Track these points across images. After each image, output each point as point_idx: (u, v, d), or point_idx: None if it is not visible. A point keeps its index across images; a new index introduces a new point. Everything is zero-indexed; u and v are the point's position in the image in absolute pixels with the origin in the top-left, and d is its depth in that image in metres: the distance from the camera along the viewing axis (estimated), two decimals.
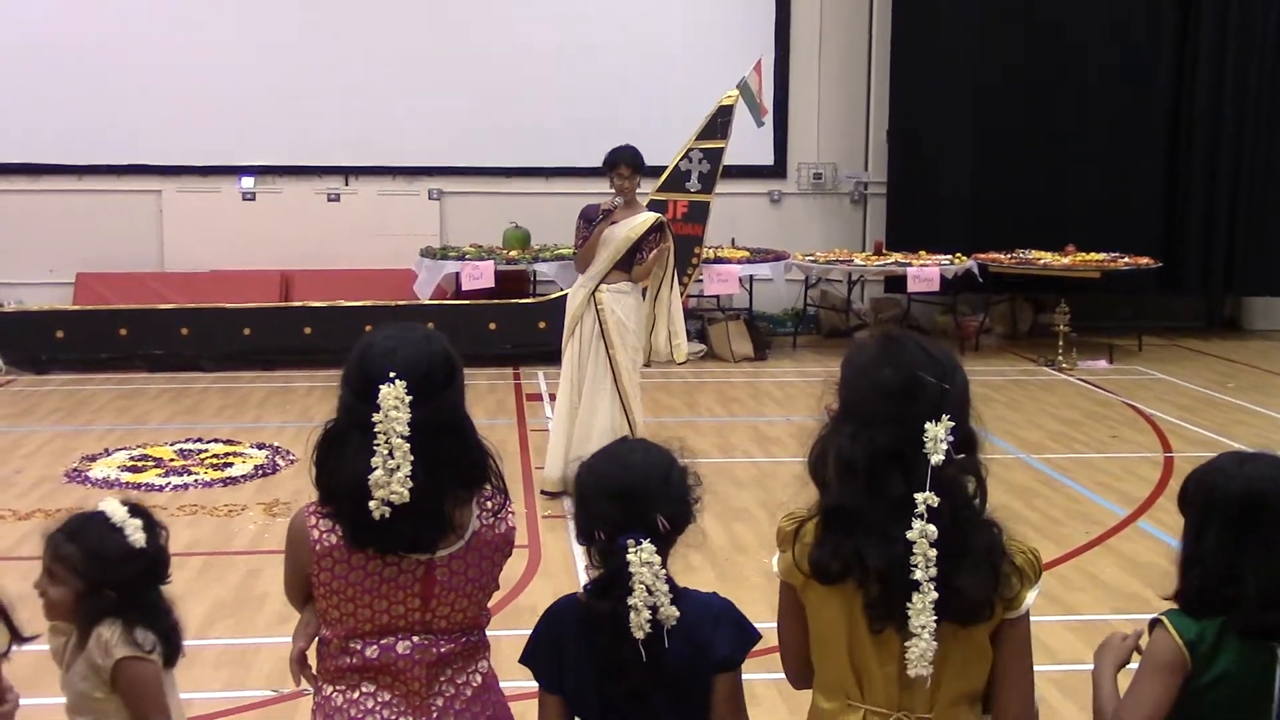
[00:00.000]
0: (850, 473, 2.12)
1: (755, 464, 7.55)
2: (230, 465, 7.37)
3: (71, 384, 9.83)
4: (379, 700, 2.32)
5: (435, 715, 2.34)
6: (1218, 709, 2.36)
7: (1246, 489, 2.34)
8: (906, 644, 2.10)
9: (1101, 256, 11.29)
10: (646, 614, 2.21)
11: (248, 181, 11.96)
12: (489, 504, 2.38)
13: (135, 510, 2.70)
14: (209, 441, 7.97)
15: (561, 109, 11.89)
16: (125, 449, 7.78)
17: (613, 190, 6.72)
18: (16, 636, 2.60)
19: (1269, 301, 12.80)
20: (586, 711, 2.35)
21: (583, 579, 5.40)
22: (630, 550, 2.22)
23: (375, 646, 2.31)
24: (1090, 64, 11.97)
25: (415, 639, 2.32)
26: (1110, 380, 10.18)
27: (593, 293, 6.65)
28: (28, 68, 11.48)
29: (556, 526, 6.30)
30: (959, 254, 11.40)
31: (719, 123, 10.44)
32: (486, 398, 9.44)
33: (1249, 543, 2.32)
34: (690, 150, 10.50)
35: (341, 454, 2.25)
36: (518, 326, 10.67)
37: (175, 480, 7.06)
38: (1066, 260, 11.24)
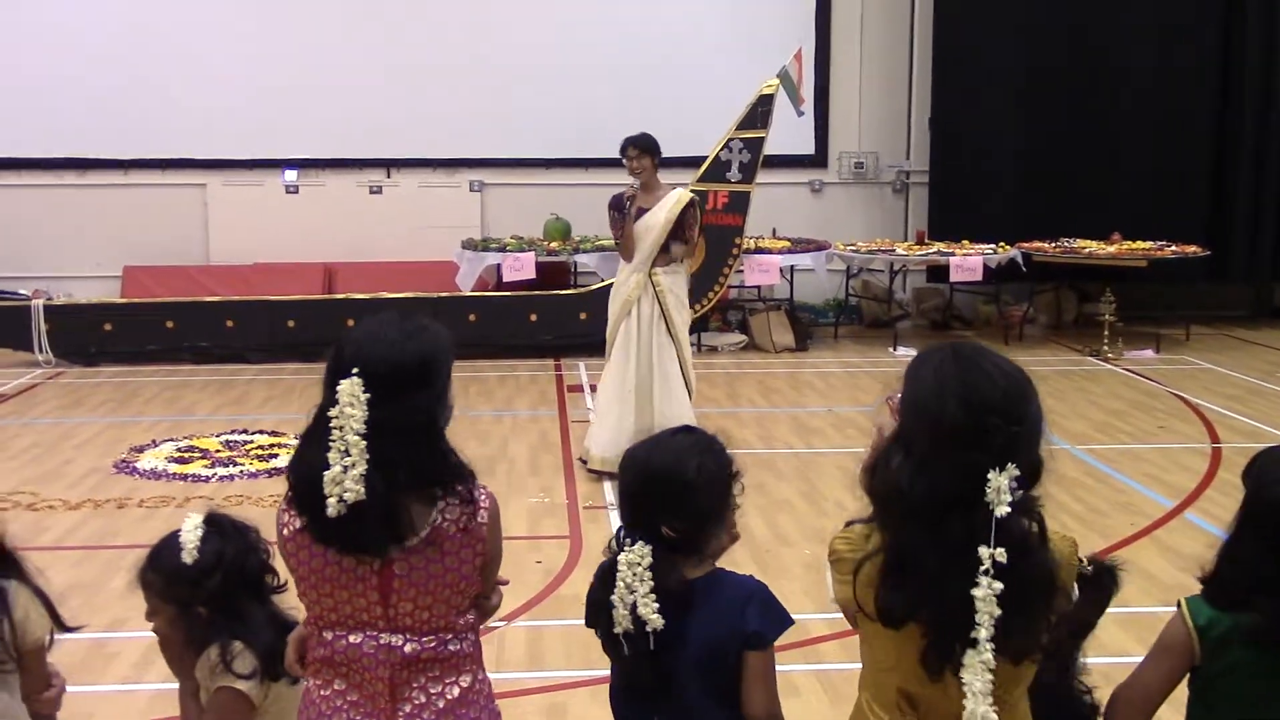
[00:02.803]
0: (912, 514, 2.01)
1: (797, 455, 7.53)
2: (275, 456, 7.43)
3: (120, 376, 9.96)
4: (348, 700, 2.29)
5: None
6: (1230, 700, 2.32)
7: None
8: (963, 702, 2.02)
9: (1148, 245, 11.16)
10: (624, 610, 2.27)
11: (291, 175, 12.05)
12: (455, 502, 2.26)
13: (210, 521, 2.64)
14: (254, 433, 8.04)
15: (601, 100, 11.88)
16: (172, 440, 7.87)
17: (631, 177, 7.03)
18: (61, 626, 2.62)
19: None
20: (618, 697, 2.45)
21: None
22: (625, 548, 2.30)
23: (344, 640, 2.28)
24: (1135, 50, 11.81)
25: (381, 638, 2.27)
26: (1157, 370, 10.07)
27: (648, 276, 6.88)
28: (74, 65, 11.61)
29: (598, 517, 6.32)
30: (1002, 243, 11.30)
31: (759, 112, 10.40)
32: (529, 389, 9.47)
33: None
34: (730, 140, 10.47)
35: (309, 445, 2.22)
36: (559, 317, 10.69)
37: (221, 471, 7.13)
38: (1112, 249, 11.12)
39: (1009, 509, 1.95)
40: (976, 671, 1.98)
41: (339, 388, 2.16)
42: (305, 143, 11.95)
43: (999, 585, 1.95)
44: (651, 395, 6.87)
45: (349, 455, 2.14)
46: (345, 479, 2.14)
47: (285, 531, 2.29)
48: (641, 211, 6.94)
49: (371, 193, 12.15)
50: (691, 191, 7.47)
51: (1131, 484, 6.91)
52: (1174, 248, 11.12)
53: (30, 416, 8.64)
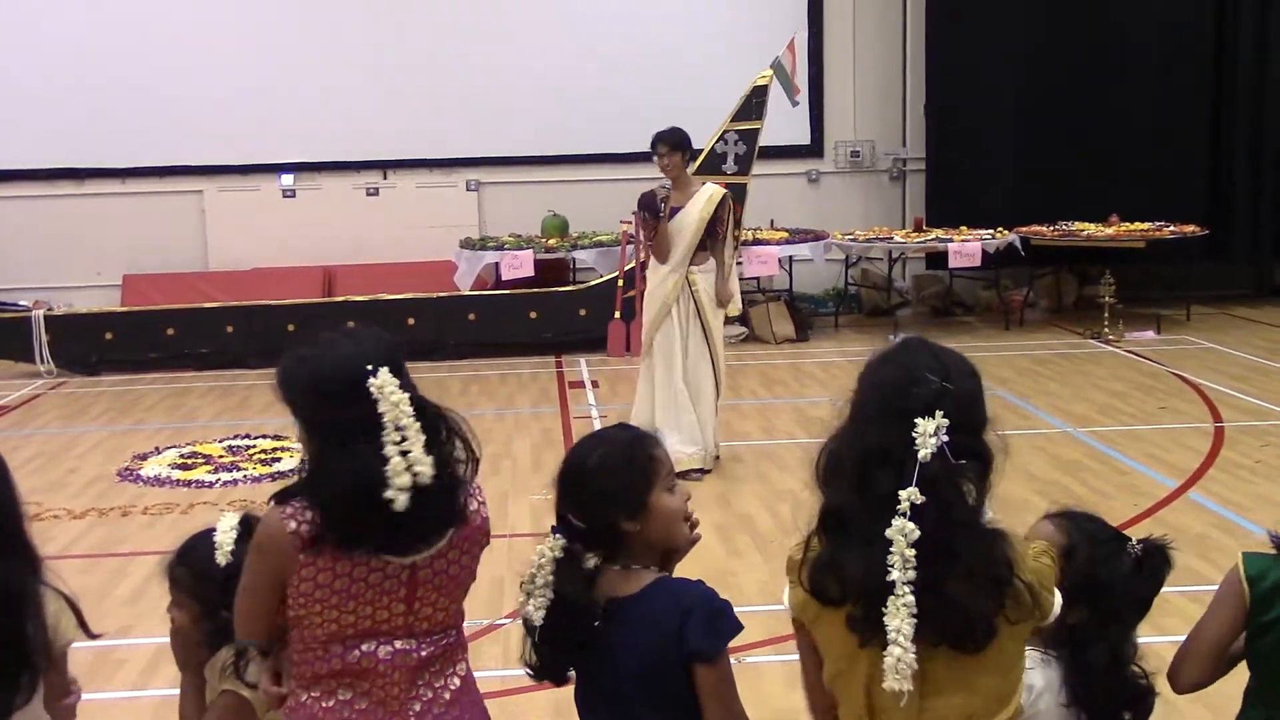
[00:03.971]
0: (838, 472, 2.03)
1: (799, 445, 7.52)
2: (278, 460, 7.45)
3: (121, 384, 9.97)
4: (355, 709, 2.27)
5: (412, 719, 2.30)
6: (1276, 650, 2.36)
7: None
8: (883, 653, 1.94)
9: (1146, 226, 11.15)
10: (522, 599, 2.29)
11: (287, 179, 12.05)
12: (473, 489, 2.36)
13: (245, 523, 2.60)
14: (257, 437, 8.05)
15: (595, 96, 11.88)
16: (175, 447, 7.88)
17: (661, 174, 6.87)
18: (87, 631, 2.60)
19: None
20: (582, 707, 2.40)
21: None
22: (549, 539, 2.30)
23: (356, 651, 2.26)
24: (1130, 30, 11.79)
25: (398, 644, 2.28)
26: (1158, 351, 10.06)
27: (685, 276, 6.84)
28: (69, 75, 11.61)
29: None
30: (1001, 228, 11.29)
31: (754, 103, 10.37)
32: (530, 386, 9.48)
33: None
34: (726, 132, 10.44)
35: (339, 462, 2.19)
36: (559, 314, 10.70)
37: (225, 476, 7.15)
38: (1110, 231, 11.11)
39: (932, 454, 1.94)
40: (897, 615, 1.92)
41: (374, 383, 2.19)
42: (301, 146, 11.95)
43: (912, 525, 1.91)
44: (692, 395, 6.85)
45: (405, 440, 2.17)
46: (414, 463, 2.17)
47: (303, 557, 2.22)
48: (674, 211, 6.79)
49: (368, 194, 12.16)
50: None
51: (1134, 465, 6.91)
52: (1172, 228, 11.11)
53: (33, 427, 8.65)
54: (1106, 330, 10.53)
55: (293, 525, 2.22)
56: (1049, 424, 7.84)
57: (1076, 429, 7.68)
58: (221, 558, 2.56)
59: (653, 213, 6.80)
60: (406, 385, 2.25)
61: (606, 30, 11.99)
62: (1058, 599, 2.07)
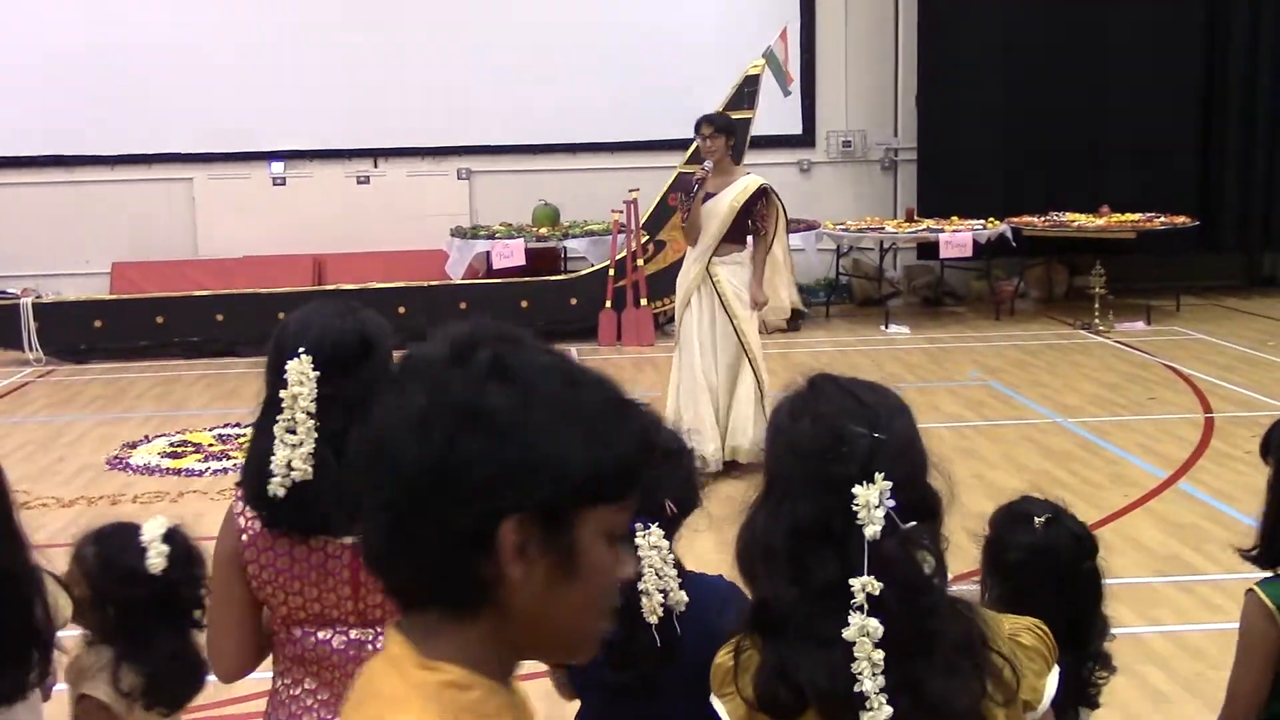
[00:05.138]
0: (773, 560, 1.66)
1: None
2: None
3: (111, 372, 9.94)
4: (319, 699, 2.27)
5: None
6: None
7: None
8: None
9: (1137, 216, 11.16)
10: (659, 598, 2.14)
11: (278, 166, 12.01)
12: None
13: (170, 537, 2.54)
14: (247, 426, 8.00)
15: (587, 85, 11.85)
16: (165, 435, 7.86)
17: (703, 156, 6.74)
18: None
19: None
20: (593, 694, 2.31)
21: None
22: (639, 534, 2.15)
23: (313, 638, 2.25)
24: (1121, 21, 11.79)
25: (352, 634, 2.25)
26: (1148, 342, 10.08)
27: (706, 267, 6.62)
28: (58, 62, 11.53)
29: None
30: (992, 218, 11.30)
31: (746, 93, 10.36)
32: None
33: None
34: (716, 115, 10.42)
35: (258, 435, 2.21)
36: (550, 304, 10.69)
37: (215, 465, 7.13)
38: (1101, 221, 11.12)
39: (881, 529, 1.59)
40: None
41: (287, 368, 2.16)
42: (292, 134, 11.91)
43: (875, 623, 1.58)
44: (720, 389, 6.65)
45: (294, 434, 2.13)
46: (292, 458, 2.13)
47: (245, 537, 2.23)
48: (708, 196, 6.59)
49: (359, 183, 12.12)
50: (680, 173, 7.32)
51: (1124, 455, 6.92)
52: (1163, 219, 11.12)
53: (22, 415, 8.62)
54: (1097, 321, 10.54)
55: (239, 508, 2.25)
56: (1039, 414, 7.85)
57: (1066, 419, 7.69)
58: (135, 557, 2.48)
59: (686, 192, 6.65)
60: (350, 379, 2.16)
61: (598, 19, 11.96)
62: (1051, 682, 1.76)
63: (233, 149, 11.89)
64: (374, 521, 1.14)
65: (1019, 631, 1.75)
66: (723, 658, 1.78)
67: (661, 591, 2.15)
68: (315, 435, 2.14)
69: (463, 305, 10.58)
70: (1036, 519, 2.36)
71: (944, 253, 11.08)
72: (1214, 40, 11.98)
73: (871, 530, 1.59)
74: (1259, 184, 12.05)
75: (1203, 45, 11.97)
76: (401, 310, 10.34)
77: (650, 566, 2.15)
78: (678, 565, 2.19)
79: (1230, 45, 11.92)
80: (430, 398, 1.10)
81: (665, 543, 2.17)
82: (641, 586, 2.15)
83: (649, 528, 2.17)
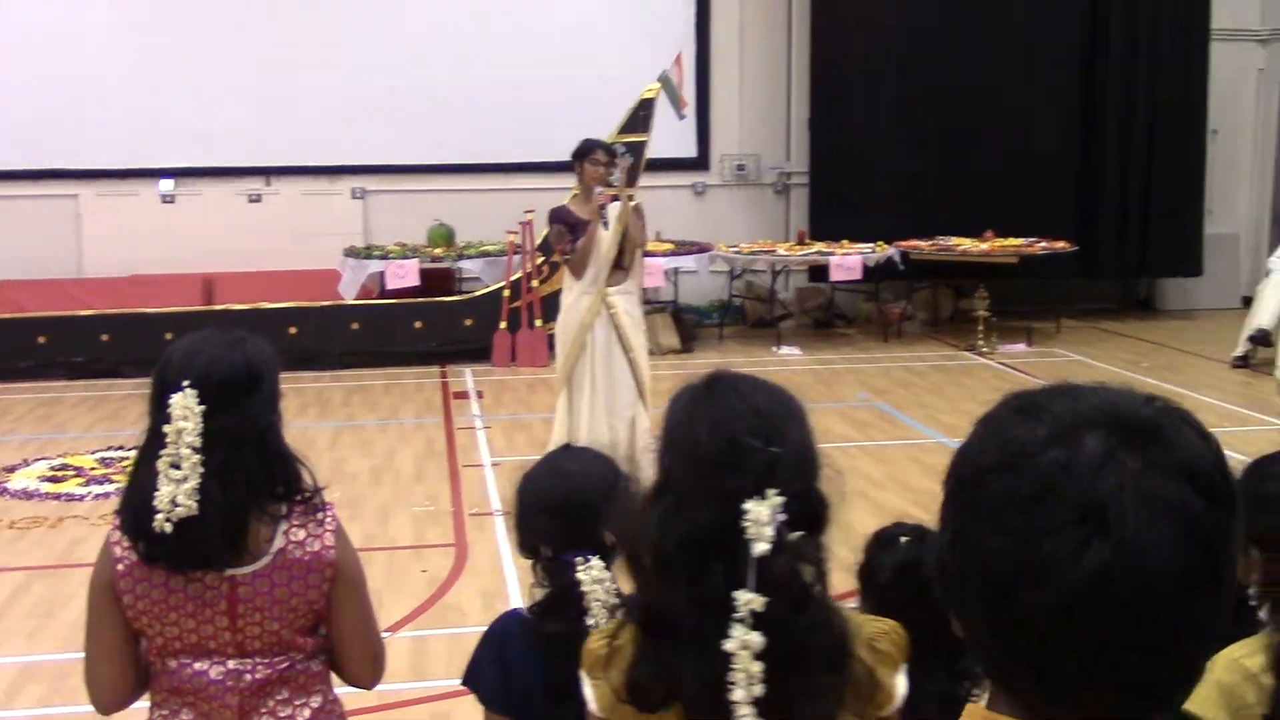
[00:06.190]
0: (666, 564, 1.70)
1: None
2: None
3: None
4: None
5: None
6: None
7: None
8: None
9: (1019, 242, 11.50)
10: None
11: (166, 184, 11.80)
12: (298, 522, 2.24)
13: None
14: (131, 449, 7.85)
15: (483, 106, 11.87)
16: (45, 458, 7.67)
17: (581, 182, 6.54)
18: None
19: (1182, 282, 13.10)
20: None
21: (511, 576, 5.43)
22: (580, 569, 2.15)
23: (189, 668, 2.24)
24: (1005, 49, 12.13)
25: (230, 664, 2.24)
26: (1029, 363, 10.38)
27: (600, 299, 6.44)
28: None
29: (485, 524, 6.32)
30: (881, 242, 11.55)
31: (641, 116, 10.46)
32: (414, 396, 9.42)
33: None
34: (613, 144, 10.48)
35: (140, 468, 2.19)
36: (444, 324, 10.66)
37: (96, 489, 6.98)
38: (985, 246, 11.43)
39: (770, 546, 1.62)
40: None
41: (171, 401, 2.13)
42: (181, 152, 11.70)
43: (756, 637, 1.61)
44: (603, 416, 6.43)
45: (179, 469, 2.11)
46: (178, 493, 2.10)
47: (120, 567, 2.21)
48: (585, 225, 6.40)
49: (250, 201, 11.96)
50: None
51: None
52: (1044, 244, 11.47)
53: None
54: (981, 343, 10.83)
55: (115, 537, 2.23)
56: (924, 435, 8.05)
57: (950, 439, 7.89)
58: None
59: (565, 224, 6.44)
60: (236, 412, 2.16)
61: (494, 41, 11.98)
62: (901, 682, 1.82)
63: (121, 166, 11.66)
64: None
65: (877, 636, 1.81)
66: (597, 644, 1.81)
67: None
68: (200, 470, 2.13)
69: (355, 326, 10.51)
70: (902, 539, 2.44)
71: (834, 276, 11.30)
72: (1092, 73, 12.42)
73: (760, 548, 1.62)
74: (1135, 213, 12.50)
75: (1081, 78, 12.40)
76: (293, 331, 10.24)
77: (596, 600, 2.15)
78: (619, 595, 2.18)
79: (1108, 80, 12.37)
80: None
81: (608, 574, 2.17)
82: (590, 620, 2.14)
83: (589, 560, 2.17)
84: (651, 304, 11.65)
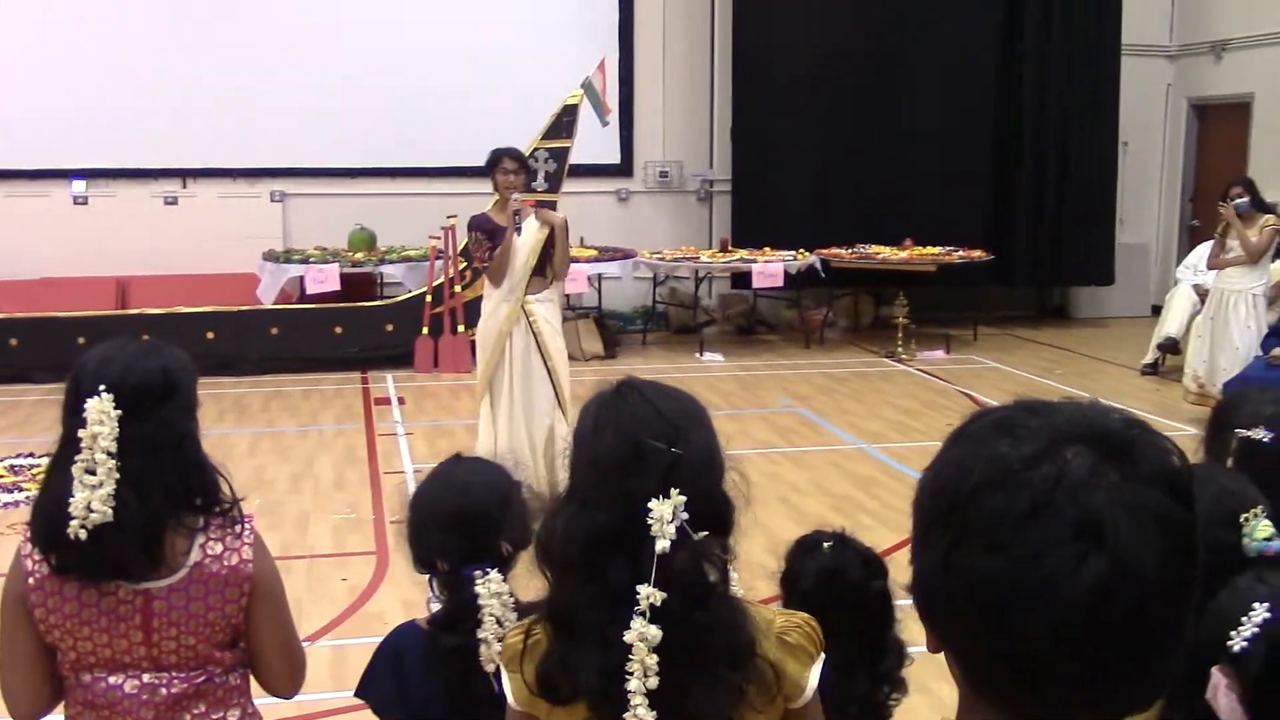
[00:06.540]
0: (572, 563, 1.77)
1: None
2: None
3: None
4: None
5: None
6: None
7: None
8: None
9: (937, 250, 11.68)
10: (497, 647, 2.11)
11: (79, 185, 11.55)
12: (215, 535, 2.22)
13: None
14: (41, 456, 7.69)
15: (405, 110, 11.78)
16: None
17: (496, 191, 6.48)
18: None
19: (1094, 291, 13.40)
20: None
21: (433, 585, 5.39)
22: (479, 582, 2.16)
23: (103, 682, 2.21)
24: (921, 65, 12.33)
25: (144, 678, 2.21)
26: (947, 370, 10.54)
27: (520, 307, 6.38)
28: None
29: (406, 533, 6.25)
30: (802, 249, 11.66)
31: (564, 122, 10.45)
32: (334, 403, 9.32)
33: None
34: (536, 150, 10.48)
35: (53, 474, 2.15)
36: (364, 329, 10.55)
37: (5, 498, 6.80)
38: (904, 254, 11.60)
39: (672, 544, 1.68)
40: None
41: (87, 406, 2.10)
42: (95, 152, 11.47)
43: (654, 630, 1.68)
44: (521, 422, 6.38)
45: (94, 475, 2.08)
46: (93, 499, 2.07)
47: (32, 580, 2.17)
48: (502, 231, 6.31)
49: (166, 203, 11.76)
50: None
51: None
52: (961, 253, 11.67)
53: None
54: (900, 349, 10.98)
55: (27, 550, 2.19)
56: (844, 440, 8.13)
57: (870, 445, 7.98)
58: None
59: (483, 231, 6.41)
60: (153, 419, 2.13)
61: (417, 44, 11.91)
62: (814, 675, 1.86)
63: (31, 166, 11.39)
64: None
65: (788, 630, 1.85)
66: (514, 639, 1.87)
67: (500, 640, 2.12)
68: (116, 476, 2.09)
69: (274, 331, 10.37)
70: (824, 545, 2.47)
71: (756, 283, 11.38)
72: (1007, 87, 12.66)
73: (662, 545, 1.68)
74: (1047, 223, 12.77)
75: (996, 91, 12.63)
76: (211, 335, 10.08)
77: (491, 615, 2.16)
78: (517, 605, 2.19)
79: (1022, 93, 12.62)
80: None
81: (505, 588, 2.18)
82: (481, 635, 2.15)
83: (488, 574, 2.18)
84: (575, 310, 11.66)
